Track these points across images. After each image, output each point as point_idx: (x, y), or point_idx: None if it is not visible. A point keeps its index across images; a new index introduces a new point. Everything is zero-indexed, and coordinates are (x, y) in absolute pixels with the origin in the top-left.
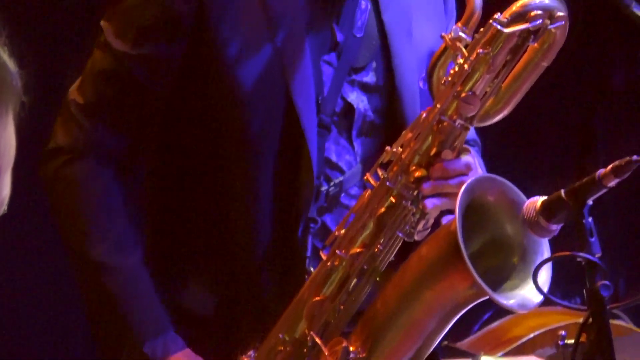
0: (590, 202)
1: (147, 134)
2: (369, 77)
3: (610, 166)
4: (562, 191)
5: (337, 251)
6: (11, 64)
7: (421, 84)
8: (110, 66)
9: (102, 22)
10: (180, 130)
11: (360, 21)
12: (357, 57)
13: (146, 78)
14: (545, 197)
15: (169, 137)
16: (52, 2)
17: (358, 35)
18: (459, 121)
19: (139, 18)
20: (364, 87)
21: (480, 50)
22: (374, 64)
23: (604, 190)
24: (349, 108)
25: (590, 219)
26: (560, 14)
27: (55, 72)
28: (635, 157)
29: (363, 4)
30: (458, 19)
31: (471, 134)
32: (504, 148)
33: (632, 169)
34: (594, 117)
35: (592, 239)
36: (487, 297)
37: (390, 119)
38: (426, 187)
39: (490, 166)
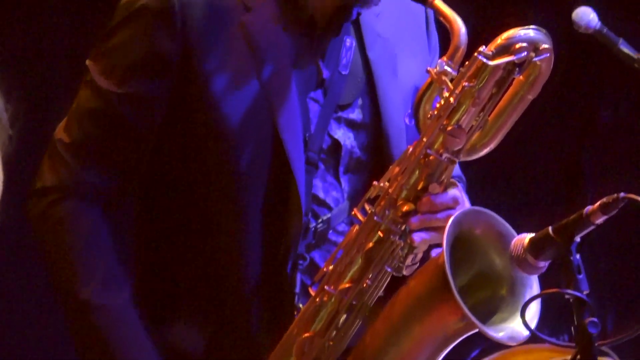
0: (578, 239)
1: (135, 172)
2: (355, 114)
3: (598, 203)
4: (550, 228)
5: (325, 287)
6: None
7: (407, 120)
8: (96, 105)
9: (87, 61)
10: (168, 167)
11: (346, 59)
12: (343, 95)
13: (133, 116)
14: (532, 234)
15: (157, 174)
16: (39, 36)
17: (344, 73)
18: (445, 155)
19: (125, 56)
20: (351, 124)
21: (466, 84)
22: (360, 101)
23: (592, 227)
24: (335, 145)
25: (578, 256)
26: (545, 46)
27: (42, 108)
28: (622, 194)
29: (348, 42)
30: (443, 53)
31: (456, 170)
32: (491, 185)
33: (620, 206)
34: (581, 153)
35: (580, 276)
36: (476, 331)
37: (376, 156)
38: (414, 222)
39: (477, 202)
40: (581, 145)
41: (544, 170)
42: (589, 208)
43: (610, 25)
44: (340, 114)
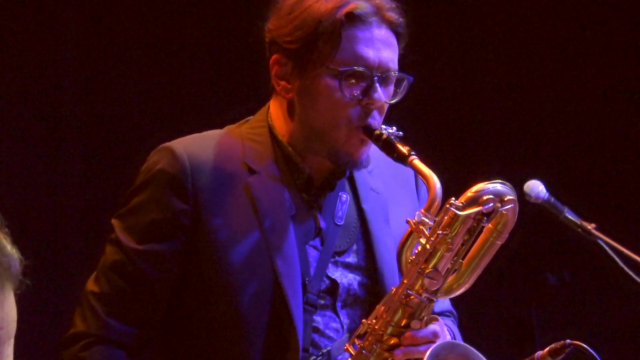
0: None
1: (154, 320)
2: (351, 259)
3: (547, 348)
4: None
5: None
6: (12, 250)
7: None
8: (120, 260)
9: (112, 220)
10: (179, 314)
11: (341, 211)
12: (339, 242)
13: (152, 270)
14: None
15: (171, 320)
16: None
17: (339, 224)
18: (424, 295)
19: (144, 217)
20: (347, 266)
21: (440, 232)
22: (354, 247)
23: None
24: (333, 284)
25: None
26: (510, 197)
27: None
28: (568, 341)
29: (344, 197)
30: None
31: (447, 305)
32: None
33: (566, 352)
34: (531, 309)
35: None
36: None
37: (372, 293)
38: (398, 354)
39: None
40: (531, 302)
41: (500, 324)
42: (539, 353)
43: (557, 195)
44: (337, 258)
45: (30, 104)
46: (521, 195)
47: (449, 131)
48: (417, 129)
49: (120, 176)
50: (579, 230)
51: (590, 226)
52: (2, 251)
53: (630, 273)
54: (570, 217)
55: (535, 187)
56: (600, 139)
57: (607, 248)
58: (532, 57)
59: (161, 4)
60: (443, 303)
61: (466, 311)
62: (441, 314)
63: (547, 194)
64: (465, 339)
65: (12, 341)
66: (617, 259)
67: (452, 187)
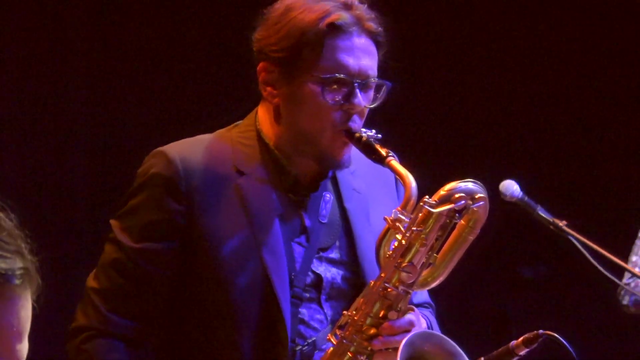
0: None
1: (153, 315)
2: (334, 254)
3: (521, 338)
4: (482, 359)
5: None
6: (29, 255)
7: None
8: (118, 257)
9: (111, 220)
10: (176, 309)
11: (325, 210)
12: (323, 239)
13: (149, 267)
14: None
15: (168, 315)
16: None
17: (323, 222)
18: (401, 287)
19: (141, 218)
20: (331, 261)
21: (415, 228)
22: (337, 243)
23: (517, 358)
24: (318, 278)
25: None
26: (481, 195)
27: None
28: (541, 331)
29: (327, 197)
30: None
31: (425, 297)
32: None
33: (539, 341)
34: (507, 302)
35: None
36: None
37: (354, 286)
38: (376, 344)
39: None
40: (506, 295)
41: (476, 314)
42: (513, 342)
43: (530, 194)
44: (321, 254)
45: (38, 107)
46: (497, 194)
47: (427, 133)
48: (395, 132)
49: (120, 177)
50: (551, 227)
51: (562, 223)
52: (27, 256)
53: (599, 267)
54: (542, 214)
55: (510, 187)
56: (572, 142)
57: (577, 243)
58: (506, 61)
59: (158, 15)
60: (422, 295)
61: (444, 303)
62: (420, 305)
63: (521, 193)
64: (443, 329)
65: (27, 335)
66: (587, 254)
67: (430, 187)
